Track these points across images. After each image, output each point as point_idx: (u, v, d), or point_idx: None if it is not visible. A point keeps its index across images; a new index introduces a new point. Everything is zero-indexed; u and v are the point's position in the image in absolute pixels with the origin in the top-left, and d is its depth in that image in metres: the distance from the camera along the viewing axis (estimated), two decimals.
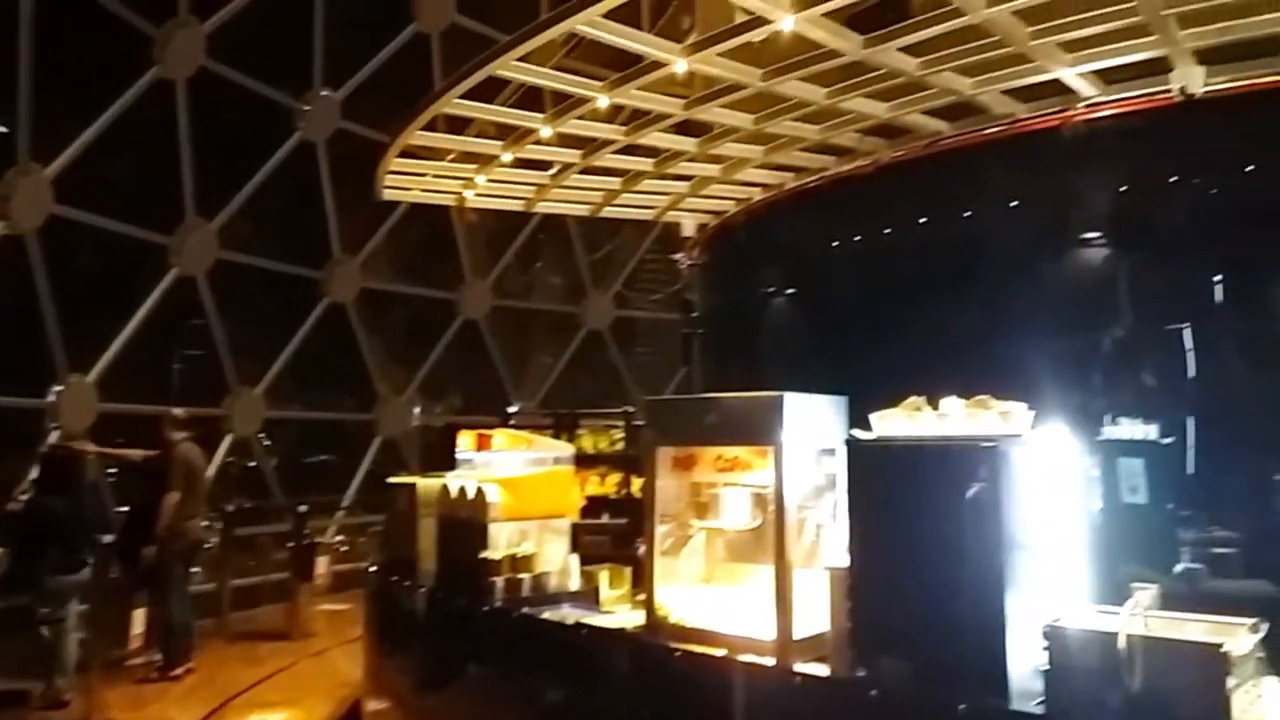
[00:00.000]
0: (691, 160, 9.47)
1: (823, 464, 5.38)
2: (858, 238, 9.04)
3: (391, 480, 8.78)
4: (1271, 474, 7.08)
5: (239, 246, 15.73)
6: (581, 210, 11.58)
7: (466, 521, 7.15)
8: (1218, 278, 7.09)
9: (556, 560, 7.20)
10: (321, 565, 13.48)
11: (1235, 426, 6.97)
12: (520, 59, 7.17)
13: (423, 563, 7.70)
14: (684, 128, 8.84)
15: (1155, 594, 4.35)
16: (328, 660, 11.19)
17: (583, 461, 9.71)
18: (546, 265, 22.76)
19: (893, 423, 5.04)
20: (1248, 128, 6.99)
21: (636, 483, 11.09)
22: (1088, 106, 7.62)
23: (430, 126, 9.01)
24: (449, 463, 8.31)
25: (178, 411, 10.57)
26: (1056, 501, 4.91)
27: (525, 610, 6.59)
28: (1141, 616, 4.07)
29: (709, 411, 5.50)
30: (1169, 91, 6.94)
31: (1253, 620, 3.89)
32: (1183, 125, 7.15)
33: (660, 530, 5.93)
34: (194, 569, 10.87)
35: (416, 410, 18.65)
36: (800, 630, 5.09)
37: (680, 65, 7.05)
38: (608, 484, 11.39)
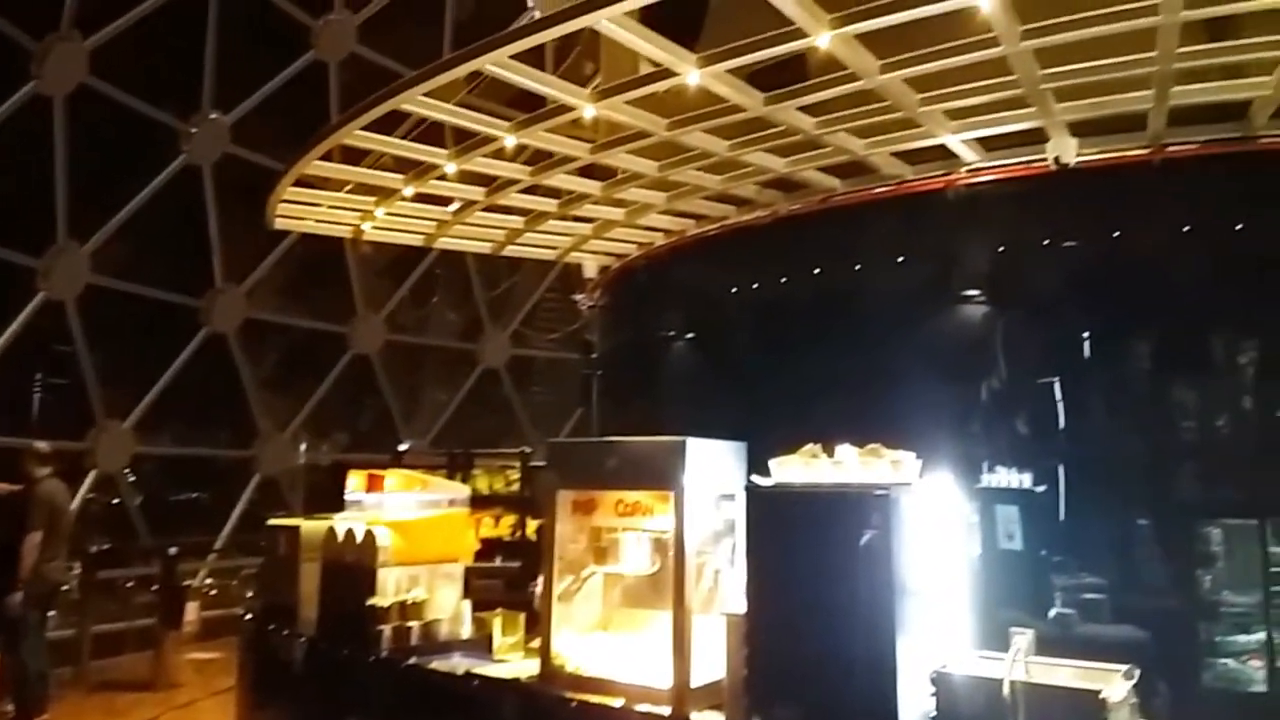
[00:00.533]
0: (596, 203, 9.55)
1: (722, 509, 5.44)
2: (755, 285, 9.27)
3: (272, 521, 8.41)
4: (1135, 520, 7.55)
5: (113, 271, 14.95)
6: (483, 248, 11.48)
7: (354, 566, 6.90)
8: (1085, 334, 7.55)
9: (448, 607, 7.01)
10: (191, 611, 12.85)
11: (1101, 475, 7.39)
12: (425, 94, 7.11)
13: (304, 609, 7.38)
14: (589, 171, 8.92)
15: (1031, 639, 4.55)
16: (195, 713, 10.63)
17: (477, 503, 9.52)
18: (443, 300, 22.45)
19: (790, 469, 5.15)
20: (1114, 196, 7.54)
21: (532, 525, 10.95)
22: (970, 171, 8.07)
23: (326, 156, 8.81)
24: (336, 503, 8.02)
25: (41, 445, 9.90)
26: (942, 548, 5.09)
27: (414, 660, 6.39)
28: (1023, 662, 4.24)
29: (611, 455, 5.49)
30: (1045, 160, 7.41)
31: (1126, 667, 4.11)
32: (1056, 192, 7.65)
33: (558, 575, 5.85)
34: (50, 614, 10.12)
35: (302, 447, 17.96)
36: (697, 678, 5.08)
37: (589, 110, 7.12)
38: (502, 526, 11.20)
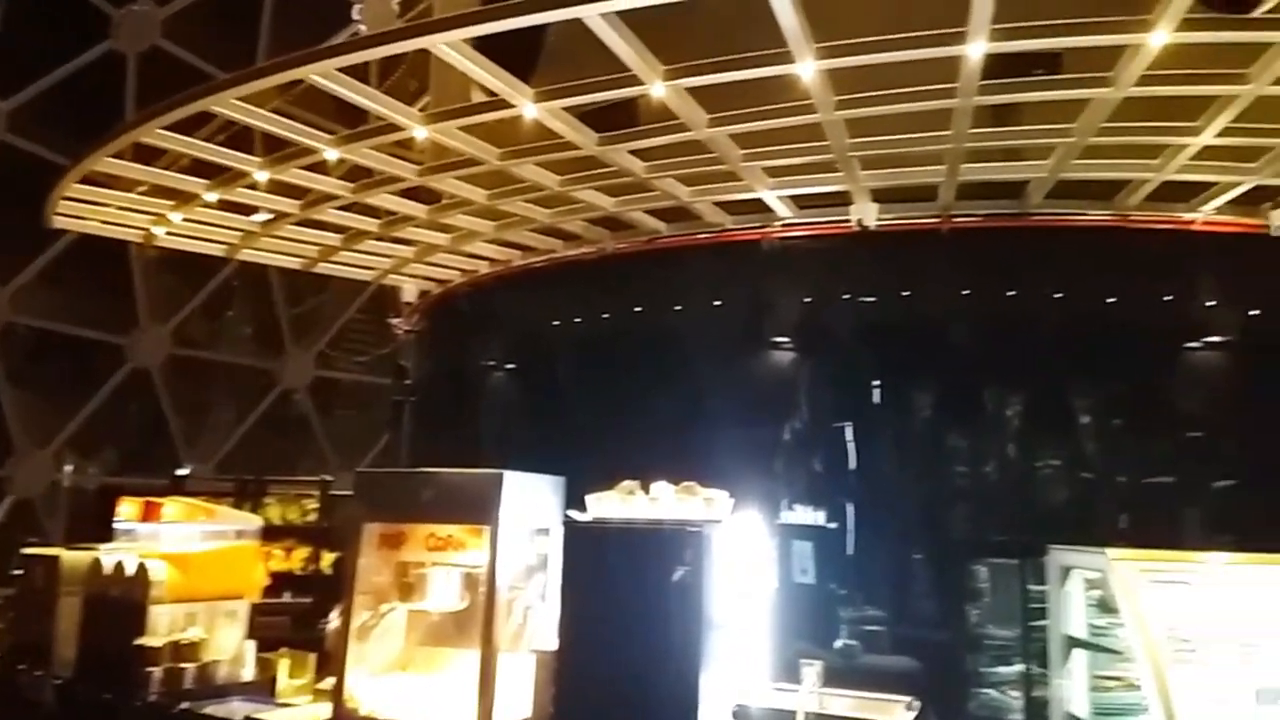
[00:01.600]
0: (420, 226, 9.31)
1: (537, 544, 5.39)
2: (579, 320, 9.34)
3: (27, 551, 7.52)
4: (913, 556, 8.16)
5: None
6: (292, 263, 10.88)
7: (121, 602, 6.29)
8: (877, 383, 8.15)
9: (229, 647, 6.52)
10: None
11: (885, 514, 7.96)
12: (240, 98, 6.70)
13: (61, 648, 6.62)
14: (415, 193, 8.69)
15: (821, 670, 4.80)
16: None
17: (269, 534, 8.92)
18: (240, 314, 21.03)
19: (607, 504, 5.19)
20: (908, 258, 8.23)
21: (327, 557, 10.40)
22: (784, 225, 8.56)
23: (120, 154, 8.09)
24: (103, 532, 7.27)
25: None
26: (746, 582, 5.29)
27: (186, 705, 5.90)
28: (816, 693, 4.46)
29: (425, 487, 5.32)
30: (849, 221, 7.99)
31: (909, 698, 4.41)
32: (858, 251, 8.25)
33: (356, 611, 5.57)
34: None
35: (68, 468, 16.14)
36: (501, 717, 4.97)
37: (420, 132, 6.96)
38: (294, 559, 10.58)
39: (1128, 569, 4.78)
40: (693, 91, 6.37)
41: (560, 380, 9.29)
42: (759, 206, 8.32)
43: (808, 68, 5.80)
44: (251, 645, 6.64)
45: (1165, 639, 4.63)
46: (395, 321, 12.23)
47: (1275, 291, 7.90)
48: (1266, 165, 6.95)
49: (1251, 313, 7.90)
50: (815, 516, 7.94)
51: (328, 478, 10.43)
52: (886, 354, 8.17)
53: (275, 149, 7.80)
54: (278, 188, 8.52)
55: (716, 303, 8.76)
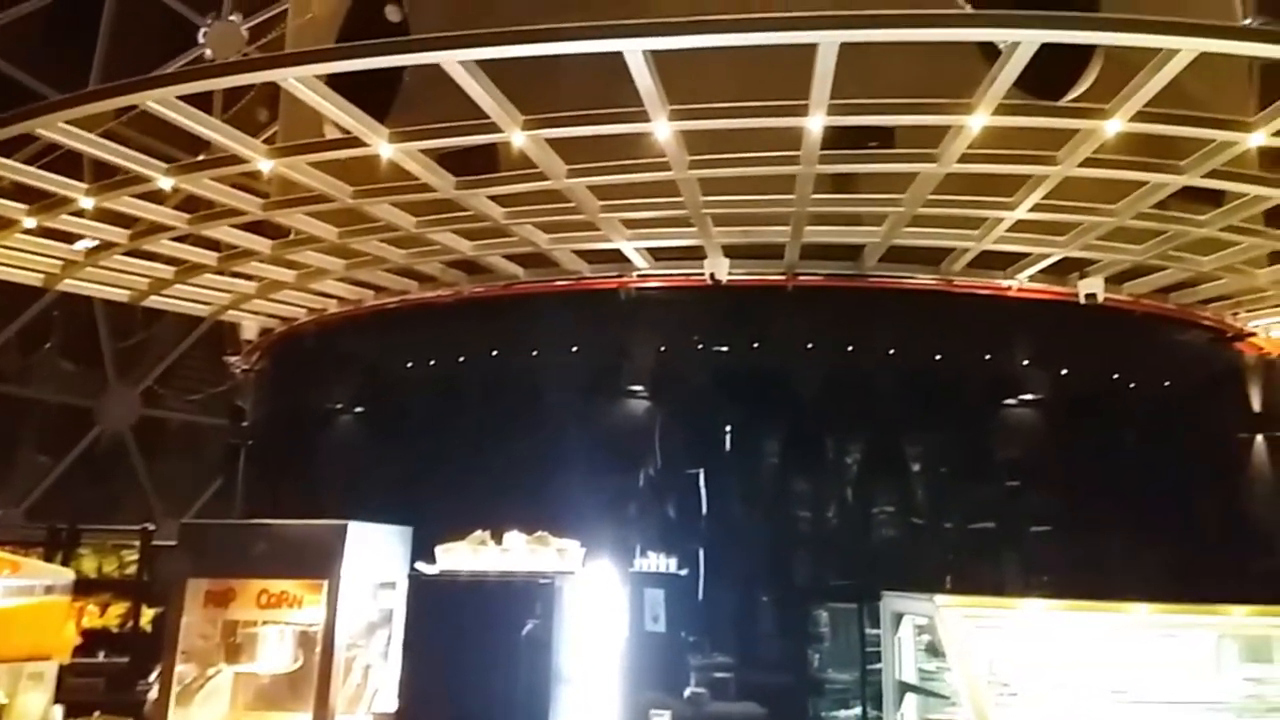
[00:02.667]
0: (264, 261, 8.91)
1: (380, 598, 5.19)
2: (432, 362, 9.15)
3: None
4: (759, 601, 8.38)
5: None
6: (119, 295, 10.15)
7: None
8: (727, 430, 8.40)
9: (33, 712, 5.91)
10: None
11: (733, 560, 8.14)
12: (69, 121, 6.26)
13: None
14: (259, 226, 8.32)
15: (669, 719, 4.84)
16: None
17: (83, 588, 8.19)
18: (58, 348, 19.38)
19: (457, 556, 5.08)
20: (756, 312, 8.57)
21: (148, 614, 9.66)
22: (640, 276, 8.74)
23: None
24: None
25: None
26: (599, 632, 5.28)
27: None
28: None
29: (259, 540, 5.04)
30: (703, 274, 8.24)
31: None
32: (711, 303, 8.52)
33: (179, 674, 5.18)
34: None
35: None
36: None
37: (265, 165, 6.70)
38: (110, 615, 9.77)
39: (953, 614, 5.07)
40: (553, 142, 6.46)
41: (411, 425, 9.04)
42: (617, 256, 8.47)
43: (663, 127, 6.00)
44: (59, 710, 6.07)
45: (988, 682, 4.91)
46: (232, 359, 11.57)
47: (1083, 354, 8.73)
48: (1073, 239, 7.71)
49: (1062, 372, 8.69)
50: (667, 563, 8.01)
51: (150, 527, 9.69)
52: (736, 403, 8.45)
53: (107, 174, 7.32)
54: (106, 215, 7.99)
55: (573, 349, 8.81)
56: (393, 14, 9.59)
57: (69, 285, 9.83)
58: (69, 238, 8.68)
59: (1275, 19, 15.04)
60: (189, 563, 5.29)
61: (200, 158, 7.53)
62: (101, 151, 6.72)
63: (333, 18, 10.04)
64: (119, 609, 9.75)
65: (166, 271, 9.37)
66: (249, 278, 9.56)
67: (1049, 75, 6.59)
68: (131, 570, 9.83)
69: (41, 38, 16.39)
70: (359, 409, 9.65)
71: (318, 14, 10.42)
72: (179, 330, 19.09)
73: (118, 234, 8.34)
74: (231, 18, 15.52)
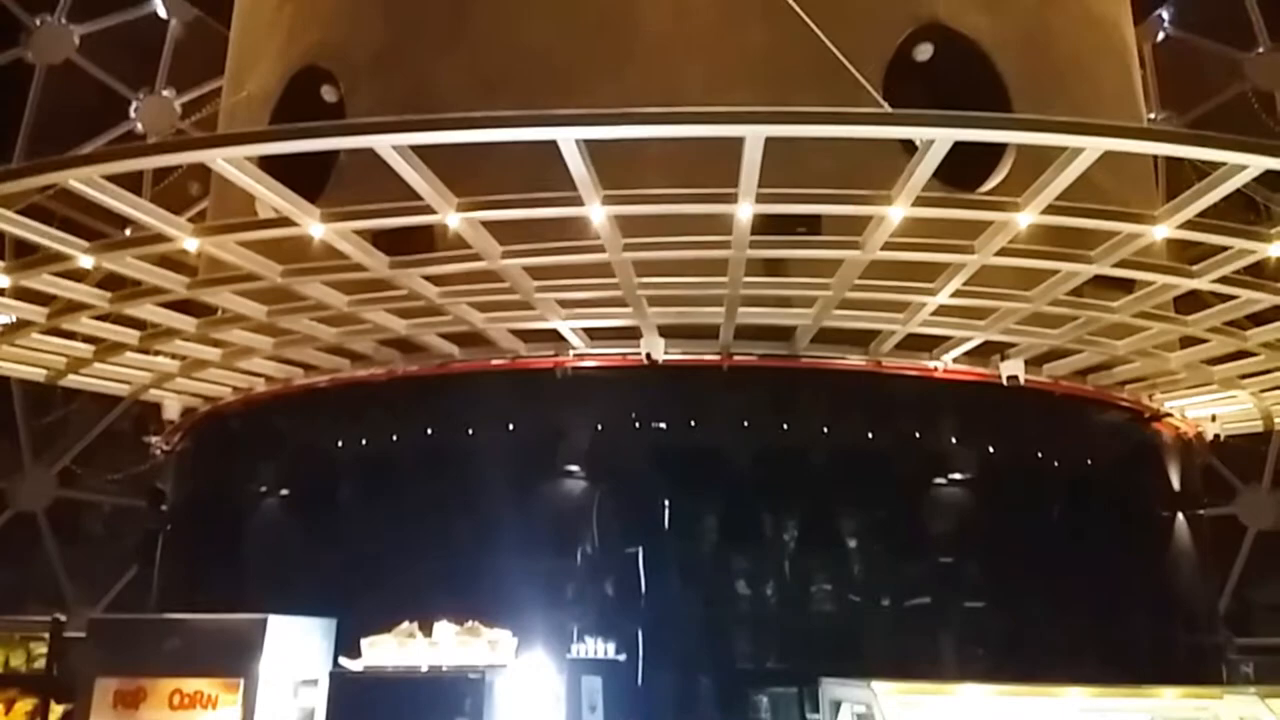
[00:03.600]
0: (188, 340, 8.69)
1: (301, 696, 4.96)
2: (364, 442, 8.96)
3: None
4: (697, 685, 8.22)
5: None
6: (34, 374, 9.77)
7: None
8: (665, 508, 8.34)
9: None
10: None
11: (673, 643, 7.99)
12: None
13: None
14: (185, 304, 8.14)
15: None
16: None
17: None
18: None
19: (384, 649, 4.90)
20: (692, 391, 8.63)
21: (57, 711, 9.04)
22: (577, 355, 8.74)
23: None
24: None
25: None
26: None
27: None
28: None
29: (172, 635, 4.79)
30: (639, 354, 8.29)
31: None
32: (647, 382, 8.55)
33: None
34: None
35: None
36: None
37: (191, 243, 6.59)
38: (17, 713, 9.09)
39: (891, 701, 5.04)
40: (488, 223, 6.49)
41: (340, 509, 8.79)
42: (553, 335, 8.48)
43: (597, 211, 6.10)
44: None
45: None
46: (153, 440, 11.14)
47: (1008, 433, 8.96)
48: (993, 323, 7.98)
49: (989, 450, 8.89)
50: (605, 648, 7.83)
51: (60, 617, 9.10)
52: (673, 481, 8.43)
53: (27, 251, 7.11)
54: (24, 294, 7.74)
55: (509, 428, 8.72)
56: (329, 94, 9.65)
57: None
58: None
59: (1176, 115, 16.14)
60: (96, 661, 5.00)
61: (127, 233, 7.39)
62: (21, 230, 6.54)
63: (268, 96, 10.06)
64: (26, 706, 9.09)
65: (85, 350, 9.08)
66: (173, 356, 9.31)
67: (966, 167, 6.93)
68: (40, 664, 9.21)
69: None
70: (285, 492, 9.35)
71: (253, 92, 10.42)
72: (100, 408, 18.38)
73: (36, 312, 8.07)
74: (165, 93, 15.51)
